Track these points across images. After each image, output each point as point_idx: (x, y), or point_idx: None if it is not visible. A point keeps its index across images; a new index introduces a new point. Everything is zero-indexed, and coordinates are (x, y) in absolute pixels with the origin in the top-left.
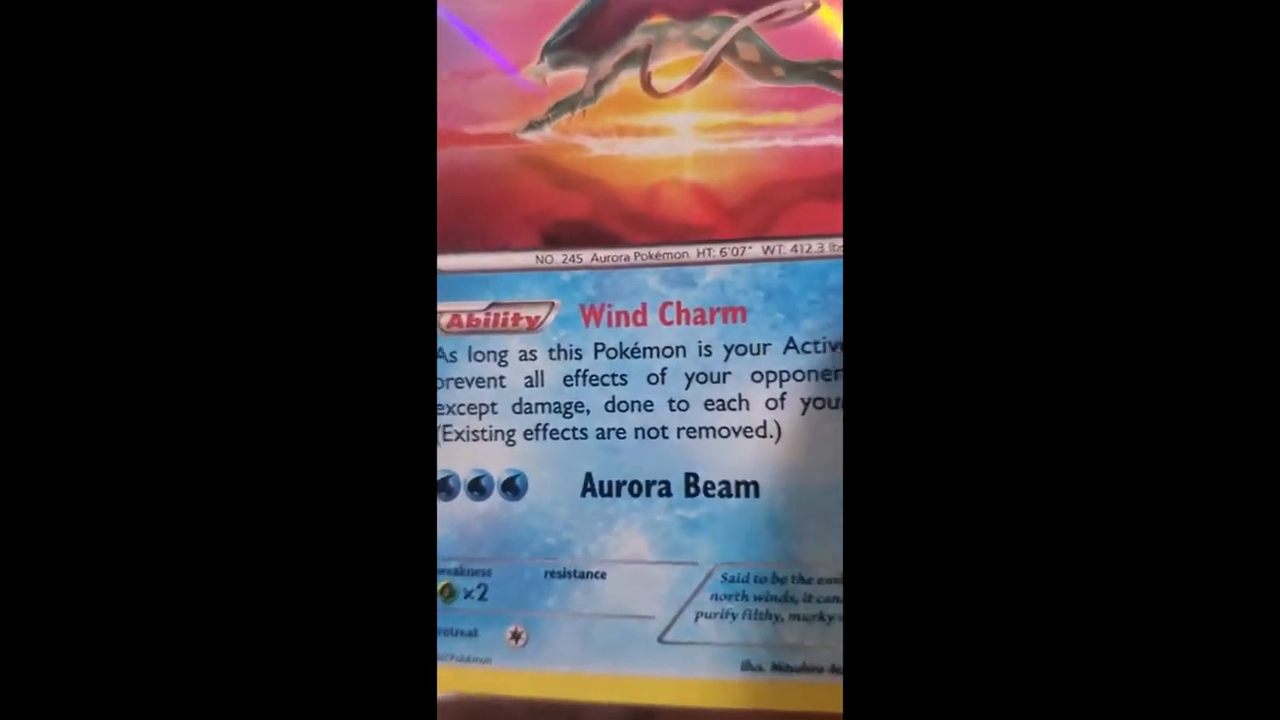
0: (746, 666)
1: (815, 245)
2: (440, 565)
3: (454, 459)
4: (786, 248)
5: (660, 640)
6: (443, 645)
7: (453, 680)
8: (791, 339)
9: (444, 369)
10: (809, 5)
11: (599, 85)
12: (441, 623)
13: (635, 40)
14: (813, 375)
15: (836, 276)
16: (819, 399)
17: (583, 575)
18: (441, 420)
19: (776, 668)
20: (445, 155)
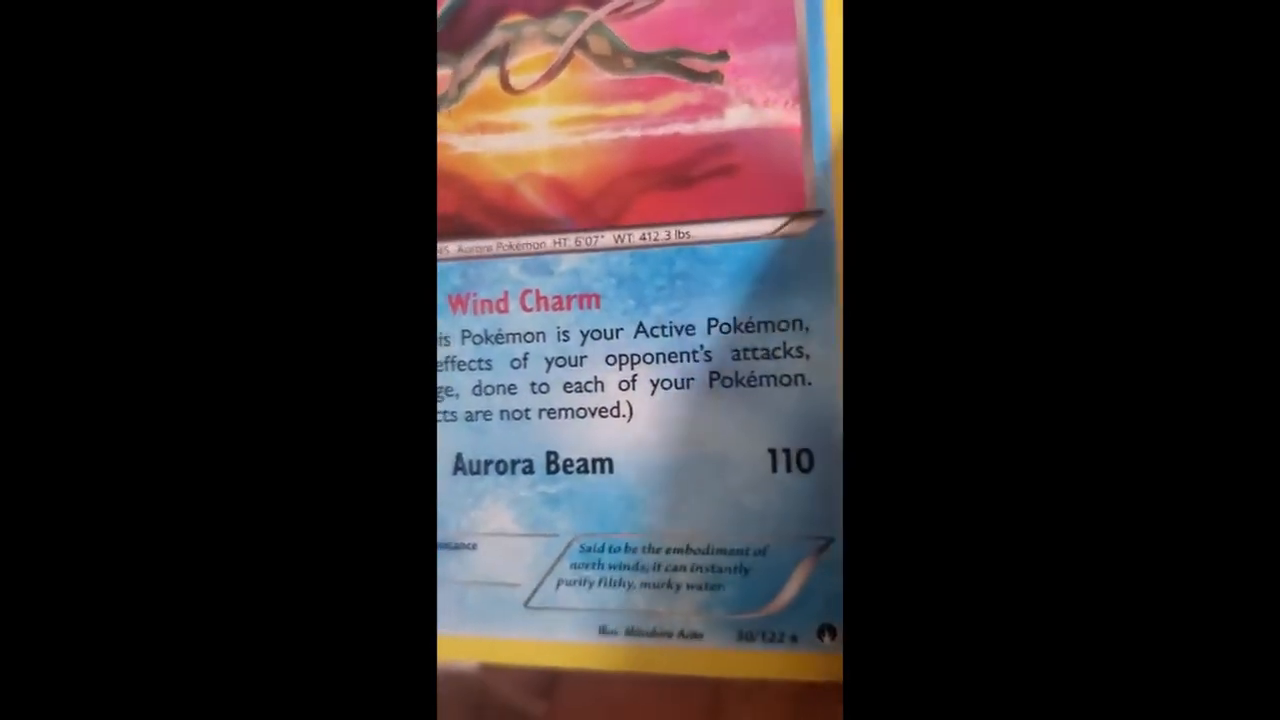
0: (603, 631)
1: (662, 233)
2: None
3: None
4: (635, 236)
5: (526, 606)
6: None
7: None
8: (641, 324)
9: None
10: None
11: (462, 85)
12: None
13: (494, 39)
14: (661, 358)
15: (682, 263)
16: (666, 380)
17: (456, 547)
18: None
19: (630, 632)
20: None
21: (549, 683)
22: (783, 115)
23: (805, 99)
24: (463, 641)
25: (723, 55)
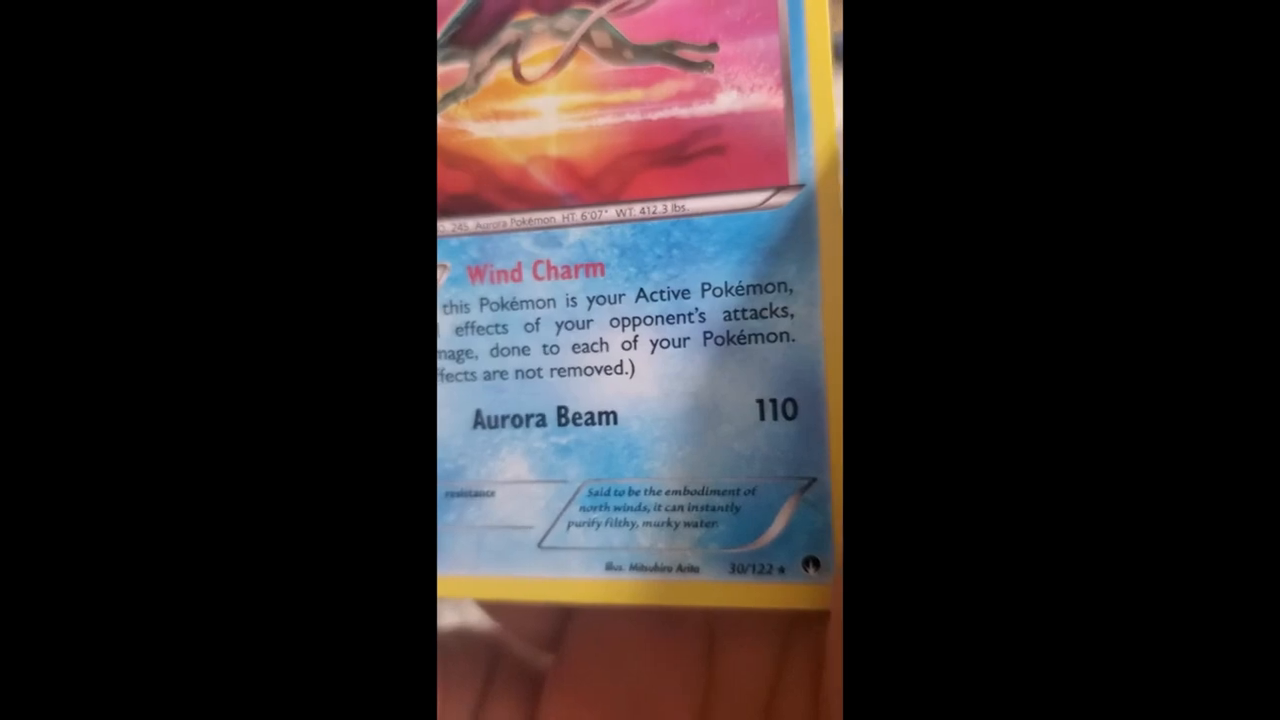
0: (609, 567)
1: (660, 207)
2: None
3: None
4: (635, 210)
5: (539, 546)
6: None
7: None
8: (642, 289)
9: None
10: None
11: (478, 77)
12: None
13: (507, 35)
14: (659, 320)
15: (678, 234)
16: (665, 340)
17: (476, 494)
18: None
19: (635, 568)
20: None
21: (556, 634)
22: (767, 99)
23: (787, 84)
24: (481, 581)
25: (713, 46)
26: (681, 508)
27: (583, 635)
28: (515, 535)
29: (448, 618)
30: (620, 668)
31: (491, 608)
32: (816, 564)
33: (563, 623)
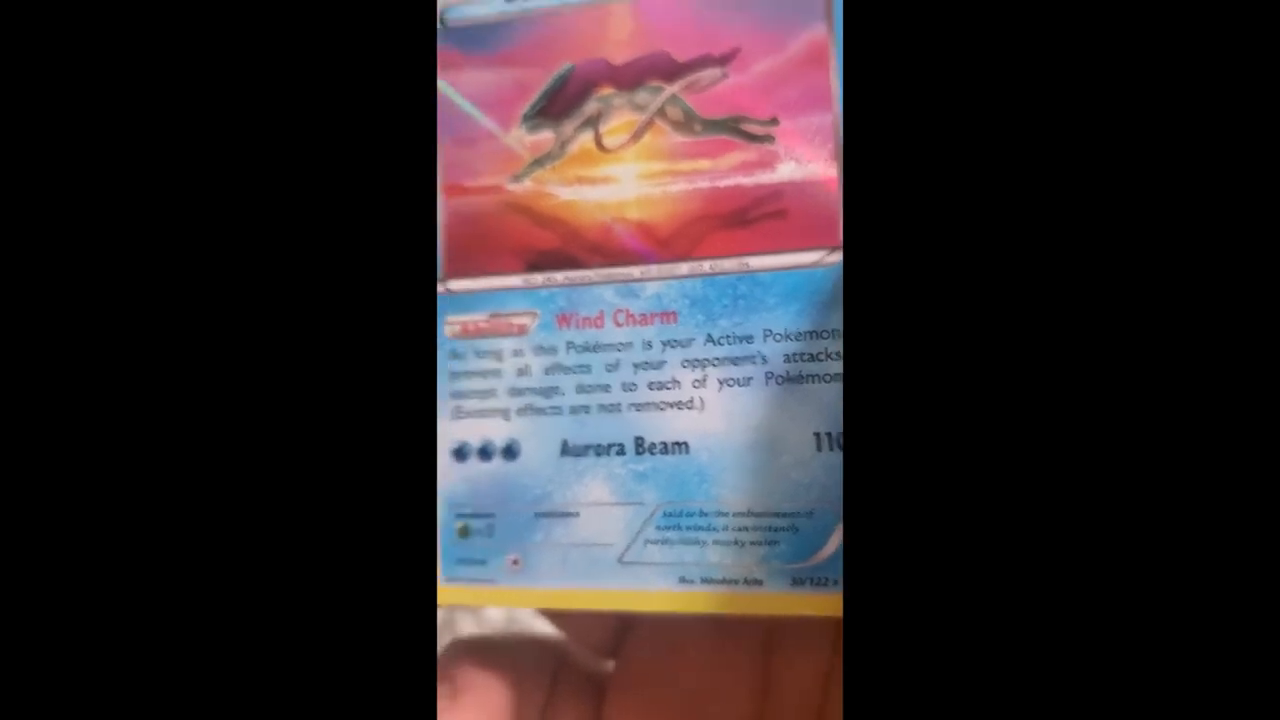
0: (683, 580)
1: (727, 264)
2: (458, 511)
3: (466, 432)
4: (705, 266)
5: (619, 561)
6: (460, 570)
7: (467, 597)
8: (710, 334)
9: (455, 365)
10: (720, 75)
11: (564, 145)
12: (459, 554)
13: (589, 108)
14: (726, 361)
15: (743, 287)
16: (731, 379)
17: (562, 515)
18: (455, 403)
19: (705, 581)
20: (451, 204)
21: (616, 642)
22: (821, 169)
23: (839, 157)
24: (564, 593)
25: (774, 121)
26: (747, 528)
27: (643, 643)
28: (597, 552)
29: (517, 626)
30: (679, 673)
31: (555, 617)
32: None
33: (623, 632)
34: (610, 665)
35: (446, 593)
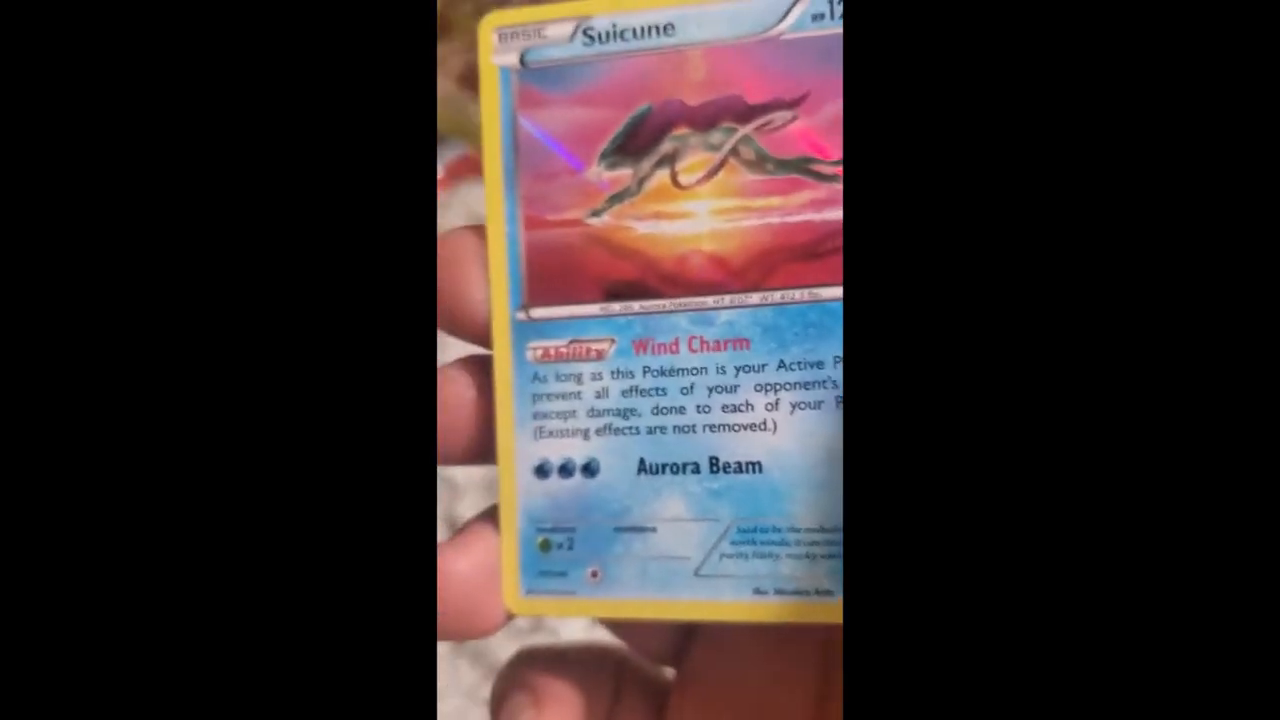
0: (757, 591)
1: (797, 294)
2: (539, 526)
3: (547, 450)
4: (776, 296)
5: (696, 574)
6: (541, 583)
7: (548, 608)
8: (781, 360)
9: (538, 388)
10: (790, 117)
11: (641, 181)
12: (540, 567)
13: (666, 147)
14: (797, 386)
15: (813, 315)
16: (803, 402)
17: (640, 530)
18: (536, 424)
19: (778, 592)
20: (532, 236)
21: (677, 650)
22: None
23: None
24: (642, 603)
25: (841, 162)
26: (818, 543)
27: (705, 652)
28: (675, 565)
29: (579, 635)
30: (741, 682)
31: (615, 627)
32: None
33: (683, 640)
34: (671, 673)
35: (526, 604)
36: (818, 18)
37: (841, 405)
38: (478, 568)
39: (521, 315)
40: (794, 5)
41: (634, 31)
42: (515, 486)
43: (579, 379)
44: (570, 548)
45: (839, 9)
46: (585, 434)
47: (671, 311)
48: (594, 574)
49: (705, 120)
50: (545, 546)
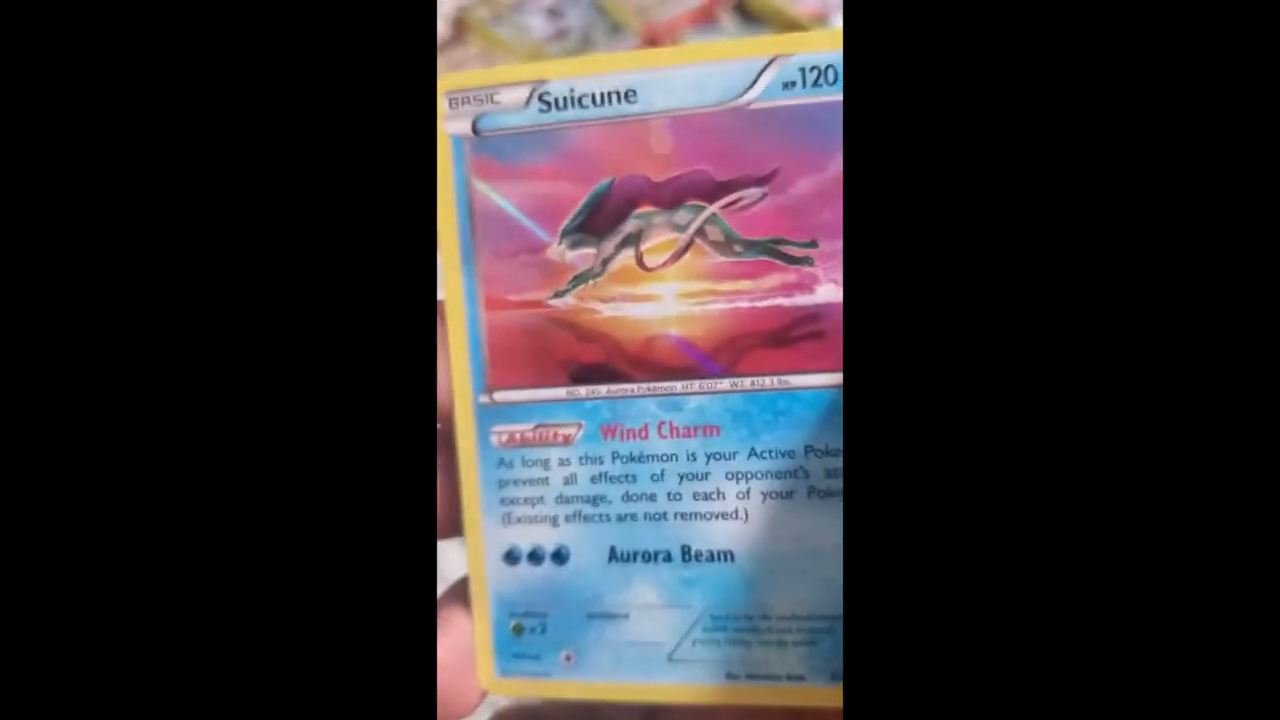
0: (729, 675)
1: (768, 381)
2: (512, 611)
3: (517, 537)
4: (746, 383)
5: (670, 659)
6: (516, 665)
7: (522, 689)
8: (753, 448)
9: (504, 473)
10: (759, 195)
11: (605, 262)
12: (514, 649)
13: (630, 226)
14: (769, 475)
15: (784, 403)
16: (775, 492)
17: (612, 616)
18: (504, 509)
19: (750, 676)
20: (495, 317)
21: (651, 715)
22: None
23: None
24: (616, 686)
25: (813, 244)
26: (790, 630)
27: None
28: (648, 649)
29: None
30: None
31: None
32: None
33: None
34: None
35: (502, 685)
36: (789, 85)
37: (814, 495)
38: (451, 651)
39: (485, 399)
40: (763, 71)
41: (593, 98)
42: (485, 571)
43: (546, 464)
44: (543, 632)
45: (811, 76)
46: (554, 520)
47: (640, 396)
48: (568, 657)
49: (670, 197)
50: (518, 630)
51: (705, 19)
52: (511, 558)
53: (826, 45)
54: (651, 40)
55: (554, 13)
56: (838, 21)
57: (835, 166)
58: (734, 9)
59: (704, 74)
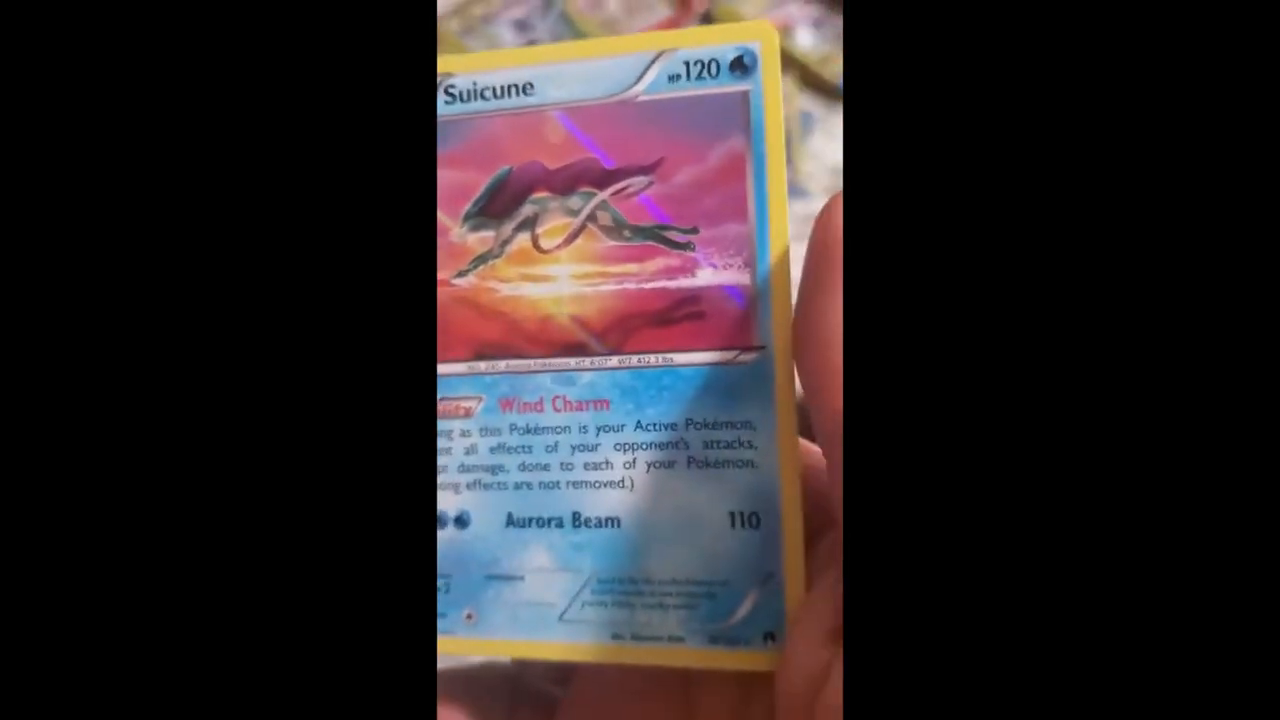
0: (615, 636)
1: (652, 359)
2: None
3: None
4: (633, 360)
5: (560, 619)
6: None
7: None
8: (639, 421)
9: None
10: (646, 183)
11: (504, 244)
12: None
13: (526, 210)
14: (653, 446)
15: (668, 380)
16: (658, 462)
17: (509, 578)
18: None
19: (634, 637)
20: None
21: (565, 672)
22: (737, 276)
23: (752, 264)
24: (512, 644)
25: (694, 230)
26: (671, 594)
27: (587, 679)
28: (542, 610)
29: (477, 658)
30: (616, 705)
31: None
32: (773, 638)
33: (573, 670)
34: (560, 690)
35: None
36: (674, 78)
37: (694, 465)
38: None
39: None
40: (650, 65)
41: (494, 91)
42: None
43: (450, 435)
44: (447, 591)
45: (695, 70)
46: (456, 488)
47: (536, 371)
48: (469, 616)
49: (564, 184)
50: None
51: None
52: None
53: (710, 39)
54: None
55: (523, 25)
56: (804, 35)
57: (715, 157)
58: (701, 21)
59: (596, 68)
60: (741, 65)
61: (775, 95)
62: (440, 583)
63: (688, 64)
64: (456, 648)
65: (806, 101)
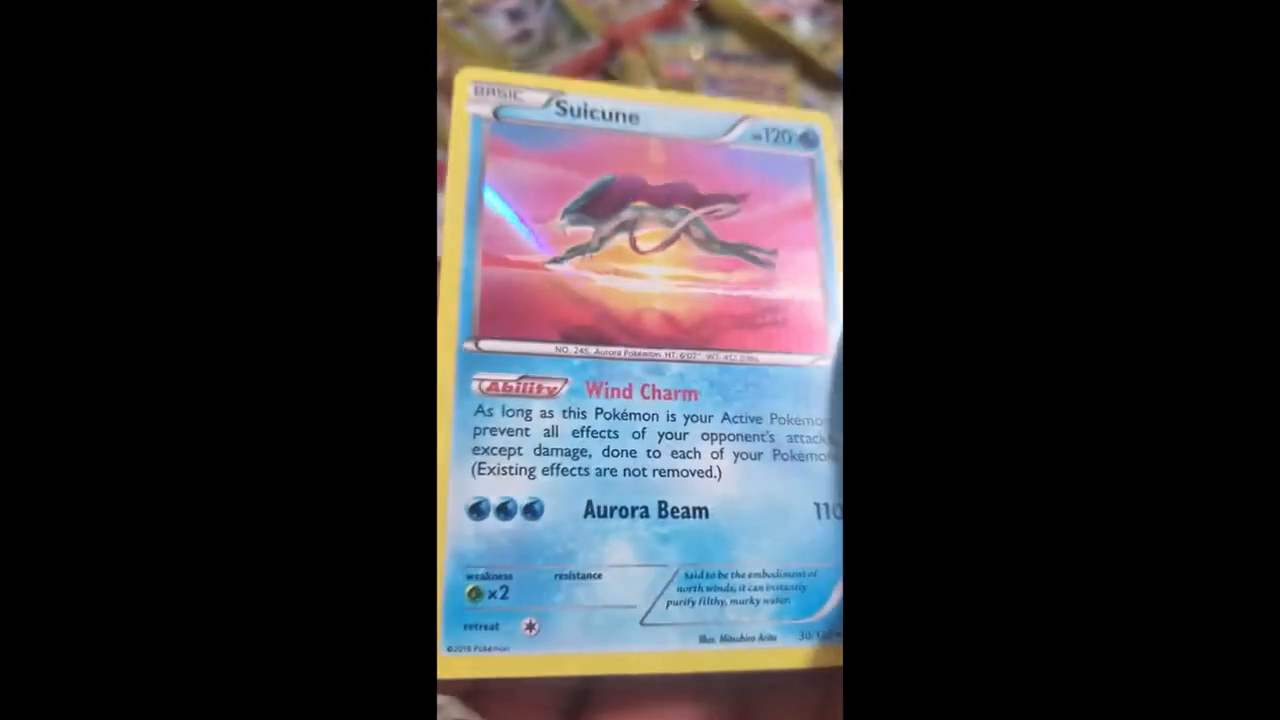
0: (703, 639)
1: (738, 356)
2: (469, 573)
3: (486, 489)
4: (720, 356)
5: (642, 623)
6: (467, 638)
7: (474, 667)
8: (726, 413)
9: (481, 420)
10: (734, 210)
11: (602, 240)
12: (468, 620)
13: (626, 214)
14: (740, 437)
15: (753, 377)
16: (744, 453)
17: (584, 577)
18: (475, 459)
19: (724, 639)
20: (491, 271)
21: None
22: (811, 293)
23: (824, 284)
24: (584, 658)
25: (774, 252)
26: (760, 588)
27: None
28: (620, 614)
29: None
30: None
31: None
32: None
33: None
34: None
35: (449, 663)
36: (756, 137)
37: (779, 457)
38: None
39: (470, 345)
40: (739, 123)
41: (603, 113)
42: (444, 527)
43: (528, 415)
44: (504, 596)
45: (773, 135)
46: (530, 473)
47: (625, 360)
48: (530, 626)
49: (662, 198)
50: (475, 595)
51: (668, 21)
52: (478, 511)
53: (785, 116)
54: (614, 42)
55: (516, 15)
56: (802, 25)
57: (789, 198)
58: (697, 11)
59: (694, 116)
60: (808, 139)
61: (834, 164)
62: (495, 586)
63: (767, 129)
64: (511, 667)
65: (805, 91)
